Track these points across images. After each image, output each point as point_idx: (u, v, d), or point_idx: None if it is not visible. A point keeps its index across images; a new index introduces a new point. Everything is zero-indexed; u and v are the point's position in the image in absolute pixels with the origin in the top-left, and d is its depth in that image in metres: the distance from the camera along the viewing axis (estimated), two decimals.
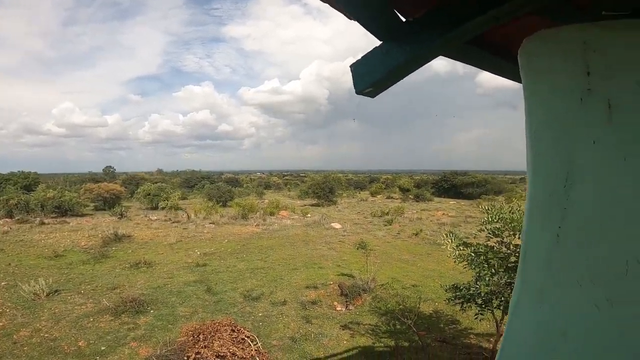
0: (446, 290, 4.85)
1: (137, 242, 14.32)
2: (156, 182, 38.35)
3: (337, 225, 18.23)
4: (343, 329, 6.67)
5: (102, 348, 5.87)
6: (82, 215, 24.09)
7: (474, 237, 5.39)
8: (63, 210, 23.58)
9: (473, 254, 4.69)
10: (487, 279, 4.39)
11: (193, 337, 5.56)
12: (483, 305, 4.45)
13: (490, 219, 4.93)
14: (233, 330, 5.85)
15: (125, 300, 7.43)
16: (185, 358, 5.26)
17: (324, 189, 30.41)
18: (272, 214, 22.11)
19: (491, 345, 5.50)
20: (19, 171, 43.60)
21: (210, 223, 18.42)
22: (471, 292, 4.41)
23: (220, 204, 29.01)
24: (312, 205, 30.16)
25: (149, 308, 7.53)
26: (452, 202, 34.19)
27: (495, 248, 4.76)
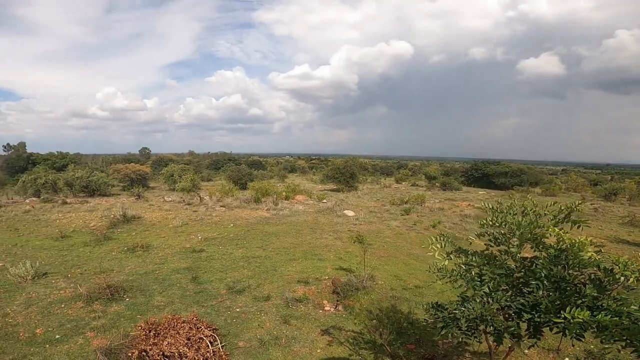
0: (426, 310, 3.92)
1: (144, 224, 14.28)
2: (181, 164, 39.12)
3: (350, 213, 17.37)
4: (322, 334, 5.93)
5: (57, 336, 5.55)
6: (109, 195, 24.78)
7: (470, 244, 4.34)
8: (91, 190, 24.35)
9: (463, 266, 3.70)
10: (477, 300, 3.42)
11: (145, 332, 5.07)
12: (468, 333, 3.50)
13: (493, 222, 3.89)
14: (192, 328, 5.30)
15: (101, 287, 7.12)
16: (130, 354, 4.78)
17: (344, 173, 29.42)
18: (287, 198, 21.58)
19: None
20: (57, 151, 46.07)
21: (221, 206, 18.18)
22: (455, 315, 3.46)
23: (240, 186, 28.97)
24: (332, 190, 29.38)
25: (124, 296, 7.18)
26: (481, 192, 32.10)
27: (497, 260, 3.73)
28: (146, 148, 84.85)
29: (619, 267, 3.04)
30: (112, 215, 14.85)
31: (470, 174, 38.64)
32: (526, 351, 5.43)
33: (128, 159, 56.37)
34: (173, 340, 4.90)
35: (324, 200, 21.61)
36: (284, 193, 22.48)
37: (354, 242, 8.48)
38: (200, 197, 20.50)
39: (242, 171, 33.11)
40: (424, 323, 6.24)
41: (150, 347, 4.77)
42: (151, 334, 4.98)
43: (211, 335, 5.30)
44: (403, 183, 39.20)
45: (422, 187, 34.34)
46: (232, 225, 14.49)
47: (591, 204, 24.83)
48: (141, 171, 31.75)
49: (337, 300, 7.38)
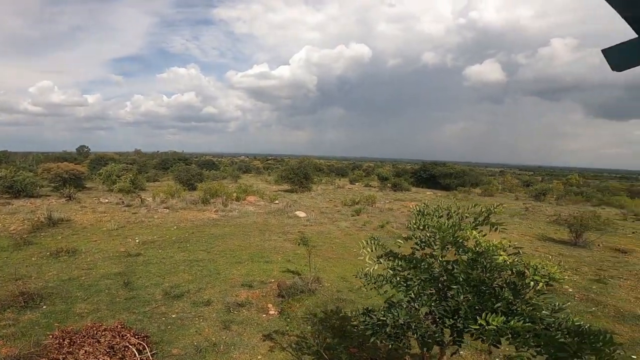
0: (354, 317, 3.85)
1: (73, 228, 12.97)
2: (124, 163, 36.48)
3: (301, 214, 17.22)
4: (264, 340, 5.69)
5: None
6: (37, 196, 22.29)
7: (399, 247, 4.35)
8: (16, 191, 21.74)
9: (391, 271, 3.68)
10: (403, 305, 3.40)
11: (59, 341, 4.51)
12: (397, 339, 3.47)
13: (417, 225, 3.92)
14: (115, 336, 4.79)
15: (13, 294, 6.28)
16: None
17: (298, 174, 29.26)
18: (238, 199, 20.92)
19: None
20: None
21: (164, 208, 17.12)
22: (383, 321, 3.41)
23: (188, 187, 27.61)
24: (286, 191, 29.07)
25: (41, 303, 6.40)
26: (429, 192, 33.66)
27: (424, 263, 3.74)
28: (84, 146, 78.05)
29: (529, 271, 3.06)
30: (36, 218, 13.32)
31: (419, 175, 40.39)
32: (462, 352, 5.58)
33: (63, 157, 51.29)
34: (92, 349, 4.39)
35: (276, 201, 21.27)
36: (234, 194, 21.78)
37: (298, 244, 8.32)
38: (141, 198, 19.16)
39: (192, 171, 31.58)
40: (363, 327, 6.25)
41: (64, 356, 4.24)
42: (65, 342, 4.44)
43: (139, 343, 4.83)
44: (357, 184, 39.94)
45: (374, 187, 35.23)
46: (175, 227, 13.67)
47: (523, 204, 27.07)
48: (75, 170, 29.01)
49: (282, 304, 7.17)
